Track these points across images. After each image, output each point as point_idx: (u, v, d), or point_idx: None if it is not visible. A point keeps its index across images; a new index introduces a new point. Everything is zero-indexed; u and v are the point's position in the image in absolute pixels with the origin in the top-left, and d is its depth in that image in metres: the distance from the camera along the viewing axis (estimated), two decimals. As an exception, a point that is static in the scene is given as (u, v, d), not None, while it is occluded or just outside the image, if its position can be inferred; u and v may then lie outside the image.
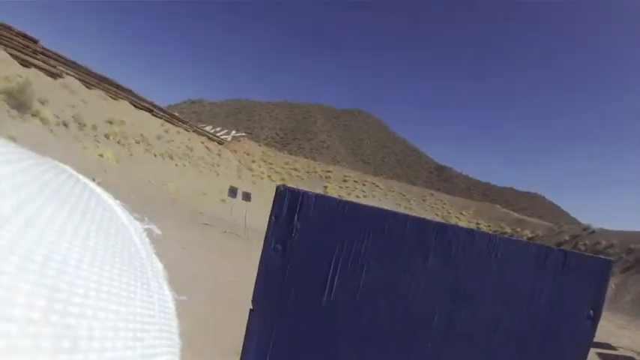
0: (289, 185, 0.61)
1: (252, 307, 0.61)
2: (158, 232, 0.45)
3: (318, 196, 0.62)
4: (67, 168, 0.39)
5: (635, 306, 19.82)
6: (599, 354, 9.64)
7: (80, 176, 0.40)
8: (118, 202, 0.43)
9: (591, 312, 0.61)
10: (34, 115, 16.68)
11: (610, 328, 14.10)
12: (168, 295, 0.39)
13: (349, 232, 0.61)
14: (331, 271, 0.60)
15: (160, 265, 0.41)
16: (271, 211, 0.62)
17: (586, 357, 0.61)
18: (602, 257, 0.62)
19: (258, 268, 0.61)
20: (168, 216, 14.80)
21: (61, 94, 20.77)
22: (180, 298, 0.41)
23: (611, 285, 21.98)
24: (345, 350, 0.60)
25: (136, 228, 0.42)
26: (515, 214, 50.92)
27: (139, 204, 14.43)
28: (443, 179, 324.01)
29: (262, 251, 0.61)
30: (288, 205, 0.62)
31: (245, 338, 0.61)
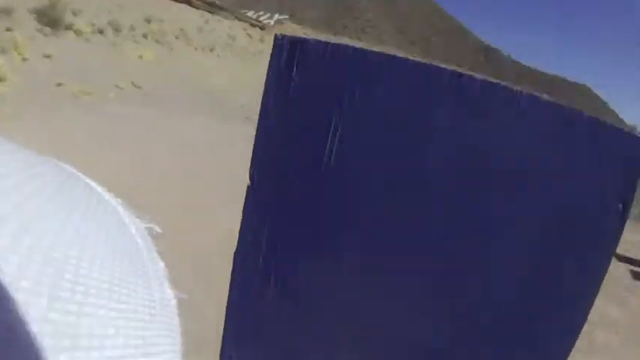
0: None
1: (249, 184, 0.55)
2: (158, 230, 0.45)
3: (319, 42, 0.53)
4: (68, 167, 0.39)
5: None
6: (633, 272, 8.40)
7: (81, 174, 0.40)
8: (119, 200, 0.43)
9: (620, 205, 0.48)
10: (67, 29, 16.36)
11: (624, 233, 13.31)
12: (169, 293, 0.39)
13: (351, 80, 0.51)
14: (332, 128, 0.52)
15: (161, 264, 0.41)
16: (269, 65, 0.51)
17: (611, 257, 0.51)
18: None
19: (256, 135, 0.54)
20: (213, 111, 15.18)
21: (95, 1, 20.05)
22: (182, 297, 0.41)
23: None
24: (353, 216, 0.52)
25: (137, 226, 0.42)
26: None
27: (182, 100, 14.89)
28: (490, 61, 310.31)
29: (259, 115, 0.52)
30: (286, 56, 0.52)
31: (243, 216, 0.55)
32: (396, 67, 0.50)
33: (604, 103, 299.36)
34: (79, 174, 0.40)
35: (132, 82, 15.34)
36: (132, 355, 0.28)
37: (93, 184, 0.41)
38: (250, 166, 0.52)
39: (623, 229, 0.47)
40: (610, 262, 0.46)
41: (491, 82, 0.49)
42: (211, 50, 29.52)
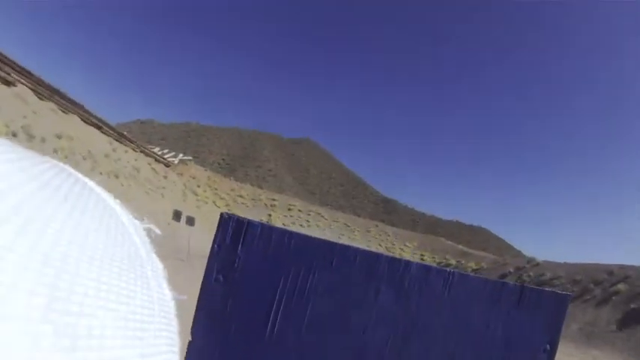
0: (233, 212, 0.59)
1: (190, 339, 0.58)
2: (157, 231, 0.46)
3: (264, 226, 0.60)
4: (67, 167, 0.39)
5: (581, 334, 20.53)
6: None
7: (79, 175, 0.40)
8: (117, 201, 0.44)
9: (547, 346, 0.61)
10: (-16, 122, 16.04)
11: (558, 357, 14.40)
12: (167, 294, 0.39)
13: (295, 264, 0.58)
14: (275, 304, 0.58)
15: (159, 265, 0.41)
16: (214, 239, 0.59)
17: None
18: (559, 292, 0.62)
19: (198, 299, 0.58)
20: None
21: (13, 104, 20.18)
22: (180, 298, 0.42)
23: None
24: None
25: (136, 227, 0.42)
26: (460, 247, 51.73)
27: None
28: (388, 212, 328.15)
29: (203, 281, 0.59)
30: (232, 233, 0.59)
31: None
32: (335, 253, 0.59)
33: (502, 241, 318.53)
34: (78, 174, 0.40)
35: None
36: (130, 356, 0.28)
37: (92, 184, 0.41)
38: (193, 324, 0.58)
39: None
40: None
41: (424, 265, 0.60)
42: (116, 177, 28.94)
